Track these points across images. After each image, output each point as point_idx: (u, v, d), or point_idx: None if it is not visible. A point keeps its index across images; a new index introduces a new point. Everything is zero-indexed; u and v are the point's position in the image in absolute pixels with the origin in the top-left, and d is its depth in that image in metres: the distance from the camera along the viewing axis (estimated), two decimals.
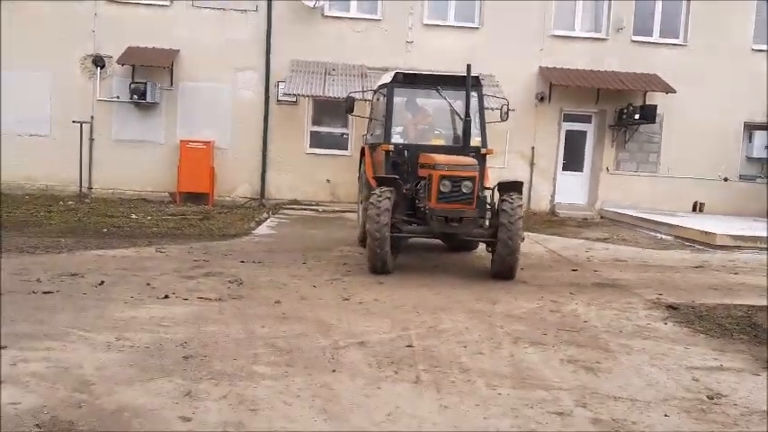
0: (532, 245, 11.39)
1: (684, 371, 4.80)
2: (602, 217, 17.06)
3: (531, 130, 17.19)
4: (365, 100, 11.29)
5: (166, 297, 6.23)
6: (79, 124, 15.15)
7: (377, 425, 3.59)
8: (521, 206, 7.80)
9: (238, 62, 16.38)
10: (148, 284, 6.73)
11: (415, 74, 9.26)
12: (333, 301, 6.38)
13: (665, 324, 6.20)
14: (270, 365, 4.46)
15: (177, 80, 16.28)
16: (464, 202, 7.85)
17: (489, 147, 9.18)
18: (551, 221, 15.87)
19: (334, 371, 4.40)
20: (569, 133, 17.58)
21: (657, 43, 17.19)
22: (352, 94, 9.36)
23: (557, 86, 16.58)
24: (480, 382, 4.32)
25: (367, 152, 9.73)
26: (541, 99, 17.04)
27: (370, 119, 10.05)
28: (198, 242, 9.82)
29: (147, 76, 15.96)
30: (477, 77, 8.99)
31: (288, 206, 16.03)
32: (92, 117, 16.08)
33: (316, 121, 16.94)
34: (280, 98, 16.39)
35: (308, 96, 15.63)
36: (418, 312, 6.09)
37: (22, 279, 6.69)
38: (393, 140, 8.82)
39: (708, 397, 4.28)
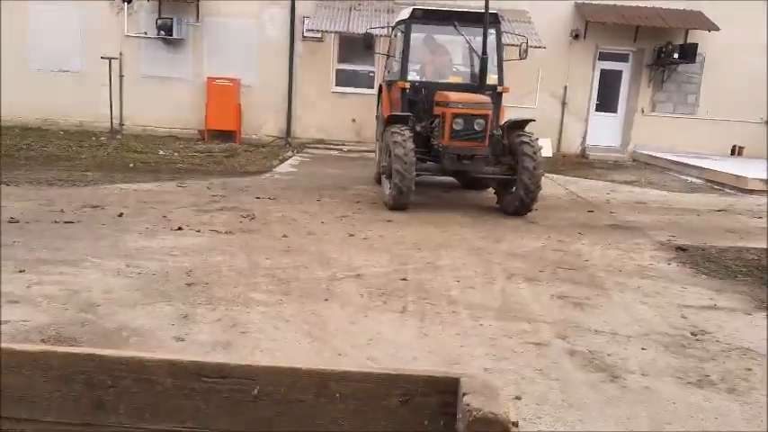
0: (553, 186, 11.34)
1: (675, 309, 4.86)
2: (634, 160, 16.77)
3: (565, 68, 16.78)
4: (386, 36, 11.16)
5: (180, 229, 6.48)
6: (108, 60, 15.34)
7: (356, 347, 3.78)
8: (540, 145, 7.87)
9: None
10: (164, 217, 6.99)
11: (433, 10, 9.16)
12: (338, 237, 6.55)
13: (669, 264, 6.21)
14: (266, 293, 4.67)
15: (203, 15, 16.27)
16: (476, 140, 7.94)
17: (507, 85, 9.07)
18: (580, 163, 15.69)
19: (326, 300, 4.59)
20: (604, 72, 17.10)
21: None
22: (370, 30, 9.29)
23: (593, 23, 16.06)
24: (465, 313, 4.47)
25: (384, 89, 9.71)
26: (576, 36, 16.55)
27: (388, 56, 9.98)
28: (219, 178, 10.07)
29: (174, 12, 15.99)
30: (496, 14, 8.82)
31: (313, 145, 16.16)
32: (120, 53, 16.27)
33: (342, 59, 16.81)
34: (305, 35, 16.28)
35: (331, 32, 15.50)
36: (420, 249, 6.23)
37: (47, 210, 7.03)
38: (409, 78, 8.81)
39: (691, 333, 4.35)
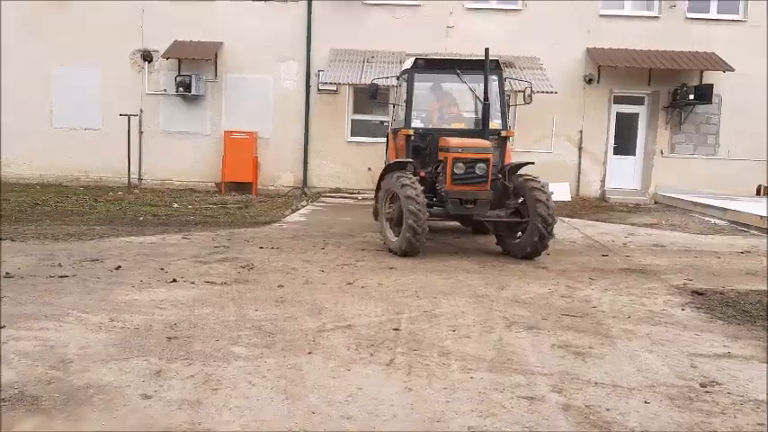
0: (568, 230, 11.07)
1: (684, 357, 4.53)
2: (656, 202, 16.41)
3: (579, 113, 16.69)
4: (392, 86, 11.23)
5: (174, 281, 6.35)
6: (127, 117, 15.64)
7: (332, 405, 3.54)
8: (546, 182, 7.96)
9: (280, 53, 16.57)
10: (162, 269, 6.88)
11: (435, 59, 9.37)
12: (335, 286, 6.35)
13: (683, 310, 5.87)
14: (248, 347, 4.47)
15: (221, 72, 16.62)
16: (478, 184, 7.96)
17: (512, 130, 9.06)
18: (599, 207, 15.38)
19: (309, 353, 4.37)
20: (620, 116, 16.95)
21: (714, 20, 16.29)
22: (375, 81, 9.40)
23: (605, 68, 16.00)
24: (456, 365, 4.20)
25: (390, 137, 9.72)
26: (589, 81, 16.48)
27: (394, 105, 10.02)
28: (227, 229, 10.00)
29: (193, 69, 16.36)
30: (497, 61, 8.97)
31: (329, 194, 16.14)
32: (141, 110, 16.60)
33: (357, 110, 16.94)
34: (320, 87, 16.49)
35: (344, 84, 15.70)
36: (419, 297, 5.99)
37: (46, 264, 6.97)
38: (413, 125, 8.87)
39: (700, 384, 4.02)
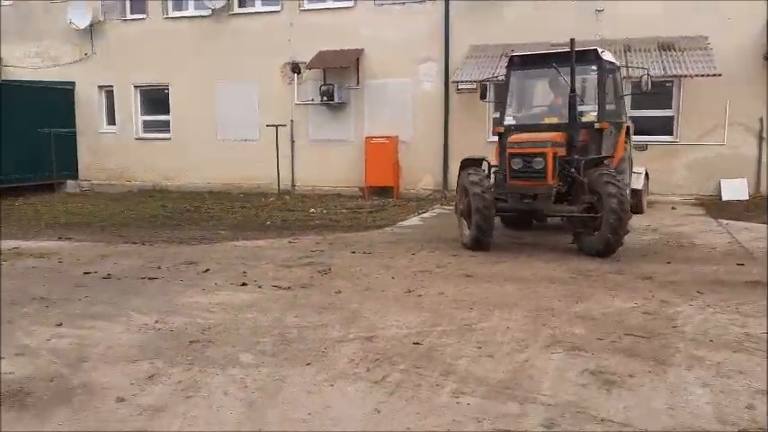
0: (718, 235, 9.69)
1: (746, 395, 3.67)
2: None
3: (760, 97, 14.53)
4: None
5: (244, 285, 6.55)
6: (275, 128, 16.58)
7: (286, 421, 3.37)
8: (625, 183, 7.25)
9: (419, 54, 16.52)
10: (244, 273, 7.13)
11: (530, 55, 9.07)
12: (393, 294, 6.11)
13: None
14: (256, 354, 4.44)
15: (363, 78, 16.97)
16: (536, 179, 7.80)
17: (629, 122, 8.49)
18: None
19: (308, 364, 4.22)
20: None
21: None
22: (485, 81, 9.20)
23: None
24: (450, 387, 3.79)
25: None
26: None
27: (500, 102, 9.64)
28: (339, 233, 10.16)
29: (337, 78, 16.92)
30: (596, 50, 8.38)
31: None
32: (291, 120, 17.53)
33: (498, 108, 16.32)
34: (460, 87, 16.17)
35: (478, 82, 15.17)
36: (471, 309, 5.54)
37: (148, 266, 7.57)
38: (506, 122, 8.75)
39: (739, 431, 3.22)
